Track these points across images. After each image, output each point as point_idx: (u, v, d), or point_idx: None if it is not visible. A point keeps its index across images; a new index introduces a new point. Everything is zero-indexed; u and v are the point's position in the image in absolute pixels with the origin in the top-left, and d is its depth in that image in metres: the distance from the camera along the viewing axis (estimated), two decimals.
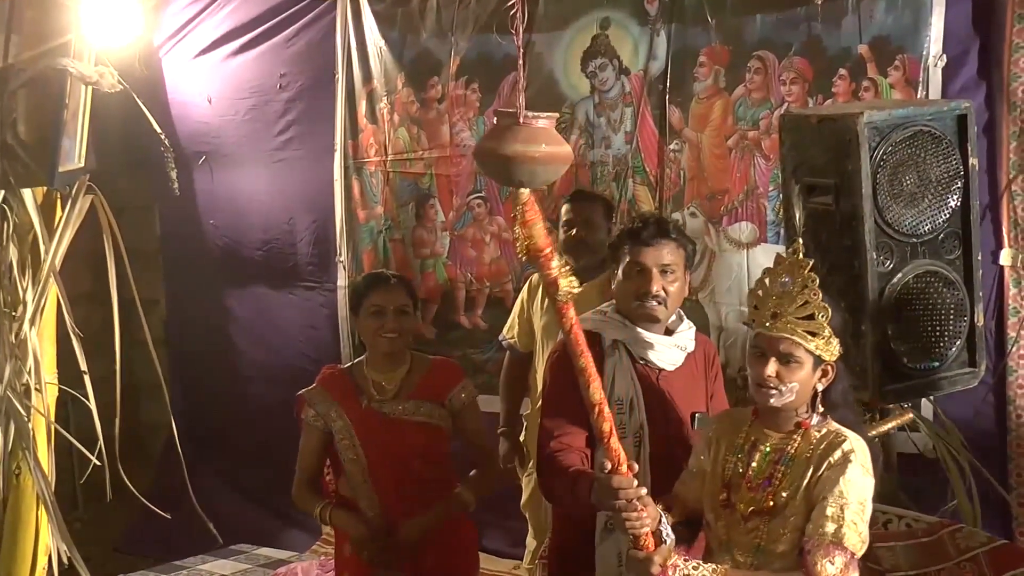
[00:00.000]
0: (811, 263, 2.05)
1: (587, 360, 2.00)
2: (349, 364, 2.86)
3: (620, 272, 2.39)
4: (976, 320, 2.67)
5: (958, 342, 2.65)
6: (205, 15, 4.66)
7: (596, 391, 2.01)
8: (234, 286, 4.86)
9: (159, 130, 2.77)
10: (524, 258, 1.97)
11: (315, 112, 4.55)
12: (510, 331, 3.57)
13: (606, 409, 2.02)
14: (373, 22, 4.39)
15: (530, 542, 3.62)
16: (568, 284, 1.96)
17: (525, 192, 1.91)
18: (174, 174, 3.16)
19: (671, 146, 3.93)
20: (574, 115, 4.07)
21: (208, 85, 4.73)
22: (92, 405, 2.43)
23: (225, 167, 4.78)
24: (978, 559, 2.67)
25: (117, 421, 2.49)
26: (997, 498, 3.29)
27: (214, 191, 4.82)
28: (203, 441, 4.93)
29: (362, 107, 4.48)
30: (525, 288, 3.59)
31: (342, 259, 4.58)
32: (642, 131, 3.99)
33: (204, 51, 4.71)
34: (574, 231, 3.30)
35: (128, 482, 2.51)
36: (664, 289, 2.35)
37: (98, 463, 2.44)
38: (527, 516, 3.60)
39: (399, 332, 2.68)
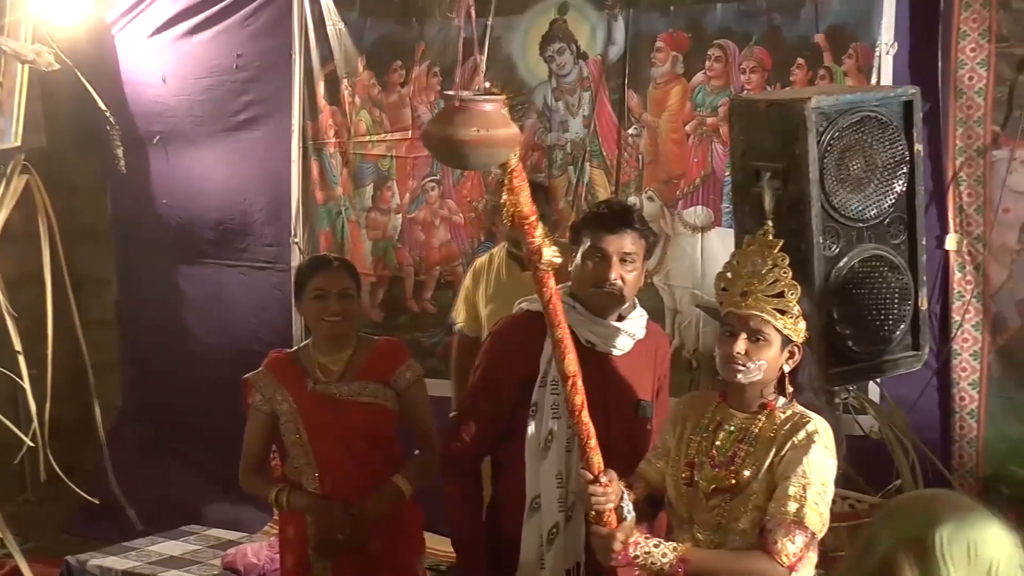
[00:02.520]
0: (781, 243, 2.07)
1: (564, 332, 2.02)
2: (296, 347, 2.83)
3: (579, 255, 2.38)
4: (920, 304, 2.69)
5: (902, 326, 2.66)
6: None
7: (571, 363, 2.02)
8: (187, 266, 4.80)
9: (104, 108, 2.72)
10: (509, 225, 1.96)
11: (273, 93, 4.50)
12: (458, 315, 3.57)
13: (579, 382, 2.03)
14: (331, 3, 4.34)
15: None
16: (552, 253, 1.95)
17: (514, 158, 1.89)
18: (120, 151, 3.11)
19: (630, 131, 3.93)
20: (532, 99, 4.06)
21: (163, 65, 4.65)
22: (26, 386, 2.40)
23: (181, 148, 4.71)
24: None
25: (47, 405, 2.46)
26: (941, 479, 3.35)
27: (169, 172, 4.75)
28: (155, 422, 4.88)
29: (320, 88, 4.44)
30: (469, 274, 3.58)
31: (297, 240, 4.54)
32: (600, 115, 3.99)
33: (159, 30, 4.63)
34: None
35: (55, 466, 2.48)
36: (622, 277, 2.35)
37: (31, 444, 2.40)
38: None
39: (342, 316, 2.64)
